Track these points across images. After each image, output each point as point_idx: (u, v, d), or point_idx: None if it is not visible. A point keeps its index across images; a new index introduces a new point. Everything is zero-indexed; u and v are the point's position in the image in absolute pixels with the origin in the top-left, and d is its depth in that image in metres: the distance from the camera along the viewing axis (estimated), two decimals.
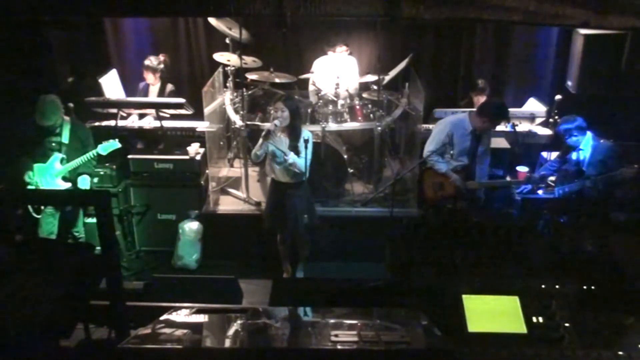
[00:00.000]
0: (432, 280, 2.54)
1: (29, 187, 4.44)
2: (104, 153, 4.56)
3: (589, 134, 4.50)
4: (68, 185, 4.52)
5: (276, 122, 4.28)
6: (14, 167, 4.55)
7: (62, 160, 4.48)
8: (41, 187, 4.42)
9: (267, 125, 4.86)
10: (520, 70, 6.57)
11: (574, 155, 4.62)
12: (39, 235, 4.52)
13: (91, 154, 4.49)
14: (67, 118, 4.54)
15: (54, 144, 4.47)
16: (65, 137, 4.48)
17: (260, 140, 4.35)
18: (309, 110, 5.64)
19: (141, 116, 5.86)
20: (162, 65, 5.86)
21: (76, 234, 4.77)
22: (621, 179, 4.34)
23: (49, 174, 4.47)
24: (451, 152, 4.48)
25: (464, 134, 4.48)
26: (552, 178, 5.15)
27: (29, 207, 4.51)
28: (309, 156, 4.41)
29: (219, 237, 5.33)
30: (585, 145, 4.52)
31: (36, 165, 4.45)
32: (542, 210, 4.88)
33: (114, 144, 4.57)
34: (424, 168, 4.63)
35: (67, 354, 2.61)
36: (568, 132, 4.49)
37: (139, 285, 4.20)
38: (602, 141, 4.51)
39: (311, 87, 6.02)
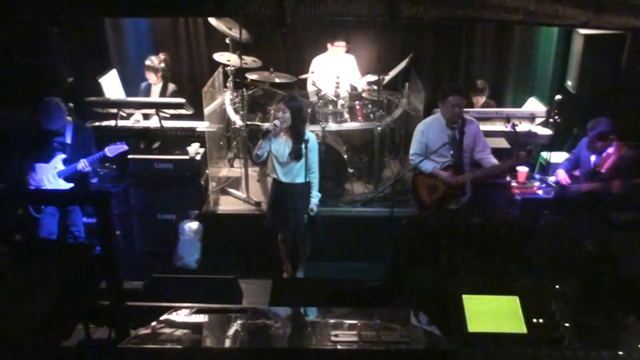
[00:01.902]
0: (432, 280, 2.53)
1: (31, 187, 4.43)
2: (110, 156, 4.54)
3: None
4: (70, 185, 4.52)
5: (276, 122, 4.27)
6: (15, 167, 4.54)
7: (65, 161, 4.48)
8: (44, 187, 4.42)
9: (267, 125, 4.86)
10: (520, 70, 6.57)
11: (592, 157, 4.60)
12: (39, 235, 4.51)
13: (97, 155, 4.49)
14: (69, 119, 4.54)
15: (57, 144, 4.47)
16: (68, 138, 4.48)
17: (260, 141, 4.35)
18: (309, 110, 5.64)
19: (146, 116, 5.85)
20: (163, 65, 5.86)
21: (76, 233, 4.77)
22: None
23: (52, 174, 4.47)
24: (433, 150, 4.42)
25: (440, 130, 4.44)
26: (552, 178, 5.15)
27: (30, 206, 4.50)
28: (315, 158, 4.41)
29: (219, 237, 5.33)
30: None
31: (38, 165, 4.45)
32: (542, 210, 4.89)
33: (122, 147, 4.56)
34: (417, 173, 4.61)
35: (67, 354, 2.61)
36: (604, 135, 4.44)
37: (138, 285, 4.20)
38: (627, 147, 4.49)
39: (311, 88, 6.02)
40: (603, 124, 4.43)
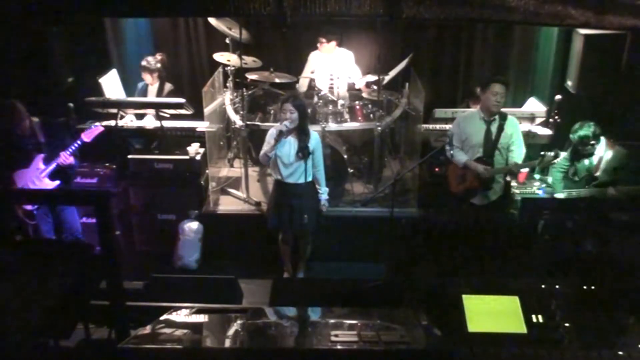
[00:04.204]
0: (432, 280, 2.53)
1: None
2: (88, 140, 4.49)
3: (602, 139, 4.49)
4: (56, 183, 4.47)
5: (286, 123, 4.26)
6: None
7: (44, 160, 4.40)
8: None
9: (267, 125, 4.86)
10: (520, 70, 6.56)
11: (586, 161, 4.59)
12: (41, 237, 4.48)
13: (76, 143, 4.42)
14: (35, 119, 4.42)
15: (31, 146, 4.38)
16: (41, 136, 4.40)
17: (272, 142, 4.32)
18: (309, 110, 5.63)
19: (139, 116, 5.85)
20: (159, 65, 5.85)
21: (75, 233, 4.74)
22: None
23: (35, 176, 4.37)
24: (468, 142, 4.51)
25: (475, 124, 4.50)
26: (550, 179, 5.14)
27: (20, 214, 4.40)
28: (319, 154, 4.43)
29: (219, 237, 5.33)
30: (598, 151, 4.51)
31: (19, 172, 4.34)
32: (542, 211, 4.87)
33: (97, 129, 4.52)
34: (450, 161, 4.68)
35: (67, 354, 2.61)
36: (586, 139, 4.45)
37: (138, 285, 4.20)
38: (617, 148, 4.47)
39: (303, 88, 6.03)
40: (585, 127, 4.48)
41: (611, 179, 4.41)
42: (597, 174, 4.52)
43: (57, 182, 4.46)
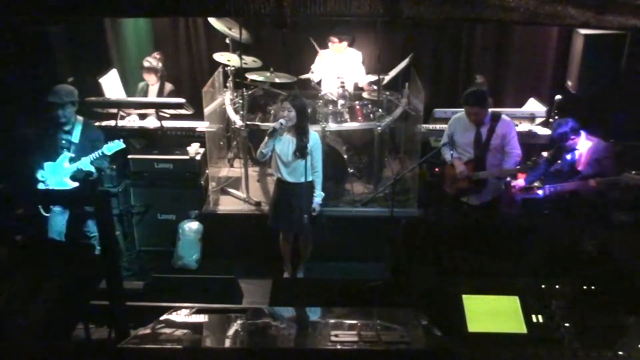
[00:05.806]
0: (432, 280, 2.53)
1: (40, 184, 4.43)
2: (108, 153, 4.55)
3: (582, 133, 4.52)
4: (75, 184, 4.52)
5: (282, 121, 4.27)
6: (22, 164, 4.53)
7: (70, 160, 4.48)
8: (49, 186, 4.42)
9: (267, 125, 4.86)
10: (520, 70, 6.57)
11: (568, 156, 4.62)
12: (49, 235, 4.50)
13: (97, 153, 4.48)
14: (80, 118, 4.54)
15: (64, 142, 4.47)
16: (75, 137, 4.47)
17: (266, 139, 4.35)
18: (309, 110, 5.63)
19: (141, 116, 5.85)
20: (160, 65, 5.85)
21: (88, 232, 4.75)
22: (624, 184, 4.31)
23: (58, 173, 4.46)
24: (458, 142, 4.56)
25: (465, 126, 4.51)
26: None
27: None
28: (319, 157, 4.44)
29: (219, 237, 5.33)
30: (580, 145, 4.53)
31: (47, 164, 4.45)
32: (542, 210, 4.88)
33: (118, 145, 4.57)
34: (445, 162, 4.72)
35: (67, 354, 2.61)
36: (565, 135, 4.50)
37: (139, 285, 4.21)
38: (598, 140, 4.51)
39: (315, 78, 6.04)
40: (563, 124, 4.51)
41: (594, 172, 4.43)
42: (580, 167, 4.55)
43: (76, 184, 4.51)
